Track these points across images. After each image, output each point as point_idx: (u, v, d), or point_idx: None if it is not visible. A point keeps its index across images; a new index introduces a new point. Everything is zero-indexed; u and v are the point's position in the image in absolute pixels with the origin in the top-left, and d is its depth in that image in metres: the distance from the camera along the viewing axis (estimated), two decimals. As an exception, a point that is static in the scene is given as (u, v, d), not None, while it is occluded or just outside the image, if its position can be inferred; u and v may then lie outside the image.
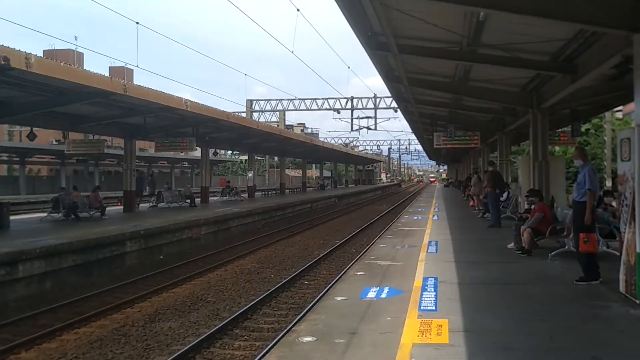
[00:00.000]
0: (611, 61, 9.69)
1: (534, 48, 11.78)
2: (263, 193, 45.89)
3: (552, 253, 10.61)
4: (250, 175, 42.12)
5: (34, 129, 22.20)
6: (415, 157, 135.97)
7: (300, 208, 35.51)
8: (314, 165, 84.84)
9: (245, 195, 38.86)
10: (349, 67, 49.19)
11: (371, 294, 7.89)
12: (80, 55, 69.48)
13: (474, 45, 12.02)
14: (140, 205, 27.80)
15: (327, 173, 79.58)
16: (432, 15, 10.39)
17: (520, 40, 11.27)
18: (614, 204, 11.64)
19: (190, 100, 19.68)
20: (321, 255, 17.33)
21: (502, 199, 18.47)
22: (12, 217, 18.87)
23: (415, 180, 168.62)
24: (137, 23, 23.87)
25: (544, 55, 12.33)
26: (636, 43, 7.56)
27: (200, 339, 8.84)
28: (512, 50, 11.90)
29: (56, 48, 63.72)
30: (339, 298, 7.77)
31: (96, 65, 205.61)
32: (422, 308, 6.96)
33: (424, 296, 7.60)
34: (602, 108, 21.85)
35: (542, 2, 8.09)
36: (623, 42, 8.41)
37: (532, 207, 12.01)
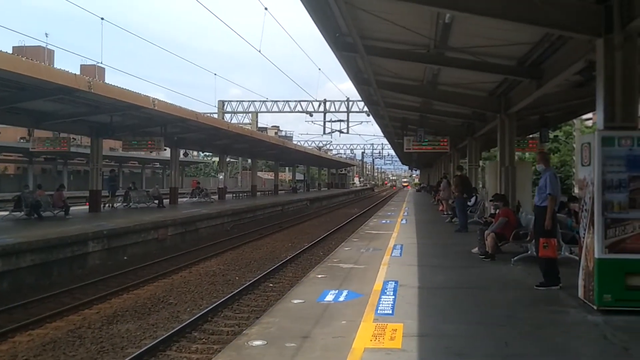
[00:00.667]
0: (575, 66, 9.74)
1: (501, 52, 11.81)
2: (234, 195, 45.56)
3: (515, 258, 10.61)
4: (221, 177, 41.76)
5: (-3, 126, 21.74)
6: (388, 162, 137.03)
7: (271, 210, 35.30)
8: (287, 168, 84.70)
9: (216, 197, 38.52)
10: (319, 69, 48.66)
11: (329, 297, 7.76)
12: (51, 53, 68.42)
13: (441, 48, 12.00)
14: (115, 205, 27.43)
15: (300, 176, 79.48)
16: (399, 16, 10.34)
17: (487, 44, 11.29)
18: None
19: (158, 99, 19.40)
20: (288, 257, 17.18)
21: (469, 203, 18.51)
22: (-28, 215, 18.42)
23: (389, 184, 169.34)
24: (102, 19, 23.47)
25: (510, 59, 12.36)
26: (599, 48, 7.59)
27: (156, 341, 8.66)
28: (479, 54, 11.91)
29: (26, 45, 62.64)
30: (295, 301, 7.61)
31: (67, 63, 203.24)
32: (378, 312, 6.85)
33: (382, 300, 7.48)
34: (570, 115, 22.08)
35: (507, 5, 8.08)
36: (586, 46, 8.45)
37: (497, 211, 12.01)
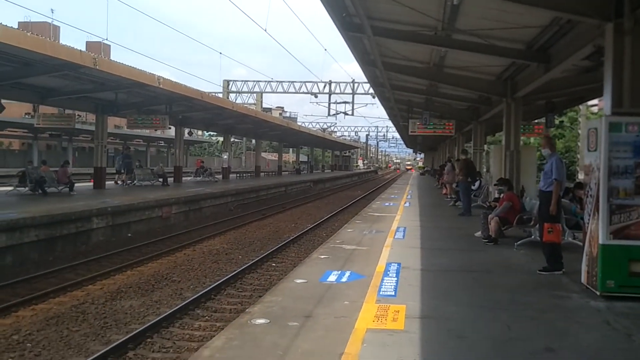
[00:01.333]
0: (583, 51, 9.67)
1: (509, 35, 11.72)
2: (238, 175, 45.59)
3: (518, 242, 10.61)
4: (225, 156, 41.74)
5: (2, 100, 21.71)
6: (392, 145, 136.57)
7: (274, 191, 35.33)
8: (290, 149, 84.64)
9: (220, 176, 38.56)
10: (325, 50, 48.73)
11: (332, 278, 7.78)
12: (57, 29, 68.10)
13: (449, 30, 11.92)
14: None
15: (303, 157, 79.47)
16: (407, -3, 10.25)
17: (495, 27, 11.20)
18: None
19: (163, 77, 19.35)
20: (291, 238, 17.21)
21: (473, 187, 18.51)
22: (-24, 190, 18.47)
23: (392, 167, 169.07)
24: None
25: (518, 43, 12.27)
26: (608, 33, 7.53)
27: (159, 318, 8.69)
28: (487, 37, 11.82)
29: (32, 21, 62.40)
30: (298, 281, 7.65)
31: (73, 39, 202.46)
32: (381, 293, 6.87)
33: (384, 281, 7.51)
34: (577, 100, 21.96)
35: (517, -13, 8.00)
36: (595, 31, 8.38)
37: (501, 196, 11.99)
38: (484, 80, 16.76)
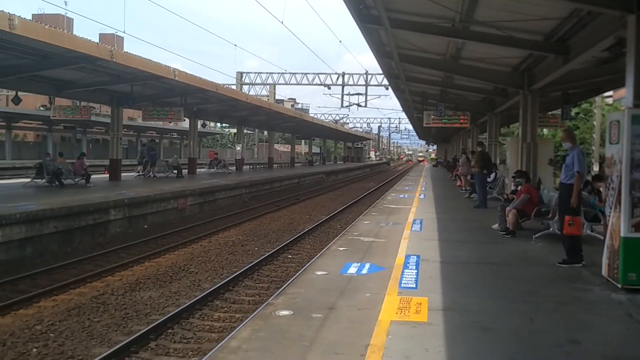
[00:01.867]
0: (604, 43, 9.57)
1: (527, 27, 11.64)
2: (251, 167, 45.70)
3: (536, 235, 10.58)
4: (238, 148, 41.85)
5: (19, 93, 21.91)
6: (405, 136, 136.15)
7: (287, 183, 35.41)
8: (303, 141, 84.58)
9: (233, 168, 38.67)
10: (340, 42, 49.00)
11: (352, 270, 7.83)
12: (70, 21, 68.38)
13: (467, 22, 11.86)
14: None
15: (316, 149, 79.43)
16: (425, -11, 10.21)
17: (514, 19, 11.13)
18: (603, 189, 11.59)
19: (178, 70, 19.41)
20: (306, 229, 17.27)
21: (489, 179, 18.46)
22: (-6, 182, 18.65)
23: (405, 159, 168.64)
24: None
25: (537, 35, 12.18)
26: (630, 24, 7.46)
27: (179, 309, 8.76)
28: (505, 29, 11.74)
29: (45, 12, 62.69)
30: (319, 272, 7.70)
31: (87, 31, 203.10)
32: (402, 285, 6.90)
33: (405, 274, 7.54)
34: (593, 92, 21.78)
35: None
36: (617, 23, 8.30)
37: (519, 188, 11.96)
38: (501, 71, 16.66)
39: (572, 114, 26.25)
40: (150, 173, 27.42)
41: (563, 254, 8.47)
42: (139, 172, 28.32)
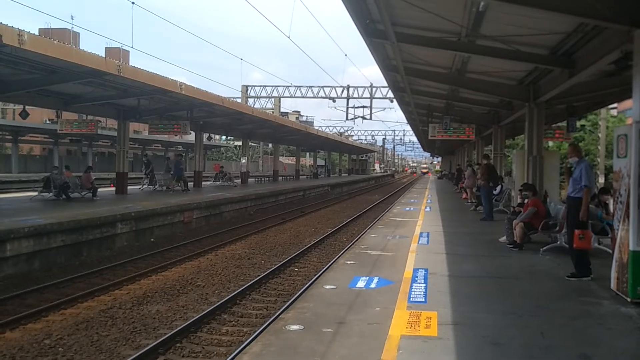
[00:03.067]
0: (610, 56, 9.60)
1: (533, 41, 11.69)
2: (256, 179, 45.76)
3: (544, 248, 10.59)
4: (243, 161, 41.94)
5: (26, 107, 22.02)
6: (409, 148, 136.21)
7: (292, 195, 35.45)
8: (307, 154, 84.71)
9: (239, 181, 38.73)
10: (345, 55, 48.90)
11: (360, 284, 7.84)
12: (77, 35, 68.94)
13: (473, 36, 11.92)
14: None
15: (321, 162, 79.49)
16: (432, 3, 10.28)
17: (520, 33, 11.19)
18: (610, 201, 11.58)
19: (185, 84, 19.50)
20: (312, 242, 17.27)
21: (495, 192, 18.45)
22: (1, 196, 18.75)
23: (409, 171, 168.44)
24: (133, 3, 23.62)
25: (542, 48, 12.23)
26: (637, 38, 7.49)
27: (187, 323, 8.78)
28: (510, 43, 11.80)
29: (52, 27, 63.13)
30: (327, 287, 7.71)
31: (92, 45, 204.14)
32: (411, 299, 6.91)
33: (413, 287, 7.55)
34: (598, 104, 21.81)
35: (544, -6, 8.00)
36: (623, 37, 8.33)
37: (526, 201, 11.96)
38: (506, 84, 16.71)
39: (578, 125, 26.29)
40: (178, 187, 27.44)
41: (571, 267, 8.47)
42: (144, 184, 28.39)
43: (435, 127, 23.26)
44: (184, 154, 47.64)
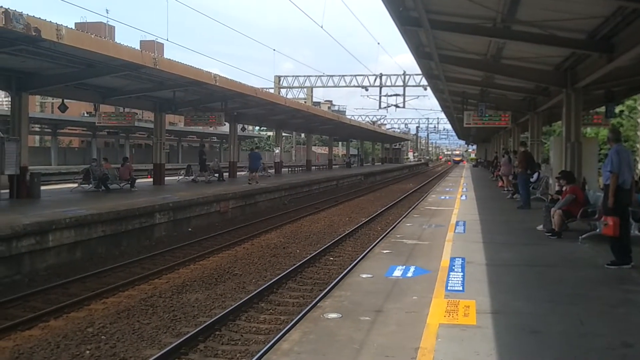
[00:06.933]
0: (650, 40, 9.39)
1: (570, 26, 11.48)
2: (290, 169, 45.98)
3: (583, 236, 10.42)
4: (277, 151, 42.17)
5: (65, 100, 22.49)
6: (444, 136, 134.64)
7: (326, 185, 35.52)
8: (340, 143, 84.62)
9: (272, 171, 38.95)
10: (378, 43, 48.93)
11: (397, 273, 7.85)
12: (112, 29, 69.86)
13: (508, 22, 11.74)
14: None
15: (353, 151, 79.34)
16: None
17: (556, 18, 10.99)
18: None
19: (219, 75, 19.68)
20: (347, 232, 17.30)
21: (532, 180, 18.23)
22: (43, 188, 19.16)
23: (444, 159, 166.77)
24: (168, -4, 23.83)
25: (580, 33, 12.00)
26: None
27: (226, 311, 8.89)
28: (547, 28, 11.61)
29: (88, 21, 64.14)
30: (364, 275, 7.74)
31: (127, 38, 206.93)
32: (449, 288, 6.91)
33: (451, 276, 7.53)
34: (637, 89, 21.29)
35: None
36: (665, 20, 8.14)
37: (564, 188, 11.79)
38: (543, 70, 16.42)
39: (617, 111, 25.77)
40: (204, 177, 27.78)
41: (611, 255, 8.34)
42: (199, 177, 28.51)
43: (470, 114, 23.06)
44: (218, 145, 48.07)
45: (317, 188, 33.36)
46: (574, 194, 11.07)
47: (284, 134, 59.29)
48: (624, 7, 9.64)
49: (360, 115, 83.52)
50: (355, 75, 48.41)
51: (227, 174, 31.55)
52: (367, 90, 49.00)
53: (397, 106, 51.82)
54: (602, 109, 22.09)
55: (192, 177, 28.16)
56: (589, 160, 15.71)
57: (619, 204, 8.11)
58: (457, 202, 18.66)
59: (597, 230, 10.38)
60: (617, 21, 10.51)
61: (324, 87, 49.32)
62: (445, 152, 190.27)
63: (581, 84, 14.70)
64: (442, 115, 61.08)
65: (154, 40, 51.76)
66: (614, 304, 6.35)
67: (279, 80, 49.93)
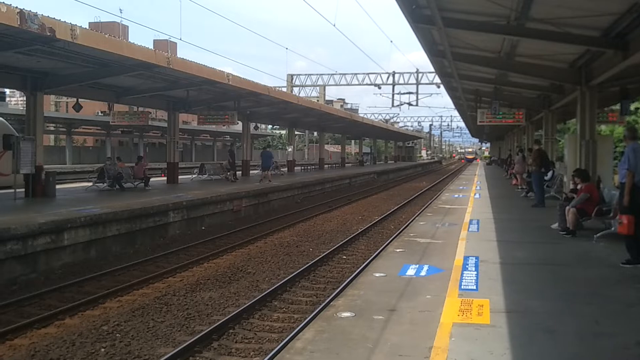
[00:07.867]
0: (666, 37, 9.30)
1: (585, 23, 11.39)
2: (302, 168, 46.01)
3: (598, 234, 10.34)
4: (289, 150, 42.22)
5: (79, 100, 22.65)
6: (457, 134, 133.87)
7: (339, 183, 35.51)
8: (353, 141, 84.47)
9: (285, 169, 38.99)
10: (391, 42, 48.82)
11: (410, 272, 7.85)
12: (125, 28, 70.39)
13: (522, 19, 11.67)
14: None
15: (366, 149, 79.15)
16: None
17: (571, 15, 10.91)
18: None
19: (232, 74, 19.74)
20: (360, 230, 17.29)
21: (546, 178, 18.11)
22: (58, 187, 19.30)
23: (457, 157, 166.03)
24: (181, -5, 23.96)
25: (594, 30, 11.91)
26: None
27: (239, 309, 8.93)
28: (561, 25, 11.53)
29: (101, 21, 64.55)
30: (377, 274, 7.75)
31: (141, 38, 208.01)
32: (462, 287, 6.89)
33: (464, 275, 7.52)
34: (652, 86, 21.09)
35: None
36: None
37: (579, 187, 11.71)
38: (557, 68, 16.32)
39: (632, 108, 25.48)
40: (230, 177, 27.90)
41: (626, 254, 8.27)
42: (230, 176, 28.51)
43: (484, 112, 22.93)
44: (230, 144, 48.24)
45: (330, 186, 33.37)
46: (588, 192, 10.99)
47: (296, 133, 59.35)
48: (638, 4, 9.56)
49: (373, 114, 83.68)
50: (368, 74, 48.37)
51: (240, 172, 31.60)
52: (380, 88, 48.91)
53: (410, 104, 51.67)
54: (617, 106, 21.86)
55: (206, 176, 28.21)
56: (603, 158, 15.57)
57: (634, 203, 8.04)
58: (470, 200, 18.60)
59: (612, 228, 10.31)
60: (632, 18, 10.42)
61: (336, 85, 49.36)
62: (459, 150, 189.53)
63: (596, 82, 14.60)
64: (456, 113, 60.99)
65: (167, 40, 51.96)
66: (629, 303, 6.31)
67: (292, 79, 49.97)
